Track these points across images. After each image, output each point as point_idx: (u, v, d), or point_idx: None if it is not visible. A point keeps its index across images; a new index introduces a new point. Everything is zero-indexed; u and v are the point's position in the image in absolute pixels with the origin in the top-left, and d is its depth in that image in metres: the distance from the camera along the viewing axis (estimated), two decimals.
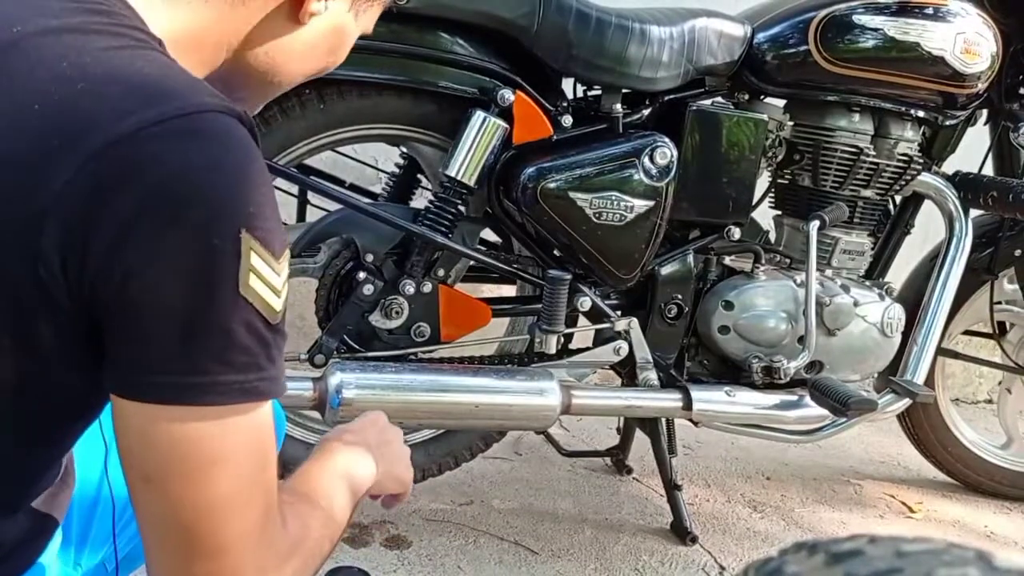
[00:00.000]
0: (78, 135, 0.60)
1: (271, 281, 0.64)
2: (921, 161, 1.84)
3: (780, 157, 1.79)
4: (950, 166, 1.95)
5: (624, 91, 1.64)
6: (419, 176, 1.88)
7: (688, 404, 1.68)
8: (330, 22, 0.80)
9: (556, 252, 1.67)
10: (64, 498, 0.79)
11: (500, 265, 1.65)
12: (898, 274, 2.04)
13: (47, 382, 0.66)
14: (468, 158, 1.54)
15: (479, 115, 1.53)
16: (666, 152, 1.59)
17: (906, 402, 1.84)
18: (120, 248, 0.60)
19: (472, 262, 1.64)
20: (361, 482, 0.88)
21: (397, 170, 1.90)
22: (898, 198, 1.93)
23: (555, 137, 1.59)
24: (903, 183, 1.84)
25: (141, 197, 0.60)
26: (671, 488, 1.90)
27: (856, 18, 1.66)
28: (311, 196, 1.90)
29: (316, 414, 1.53)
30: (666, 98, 1.68)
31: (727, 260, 1.80)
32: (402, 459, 0.98)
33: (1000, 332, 2.22)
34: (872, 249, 1.89)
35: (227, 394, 0.63)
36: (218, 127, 0.63)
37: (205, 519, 0.65)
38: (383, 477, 0.93)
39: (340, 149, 1.82)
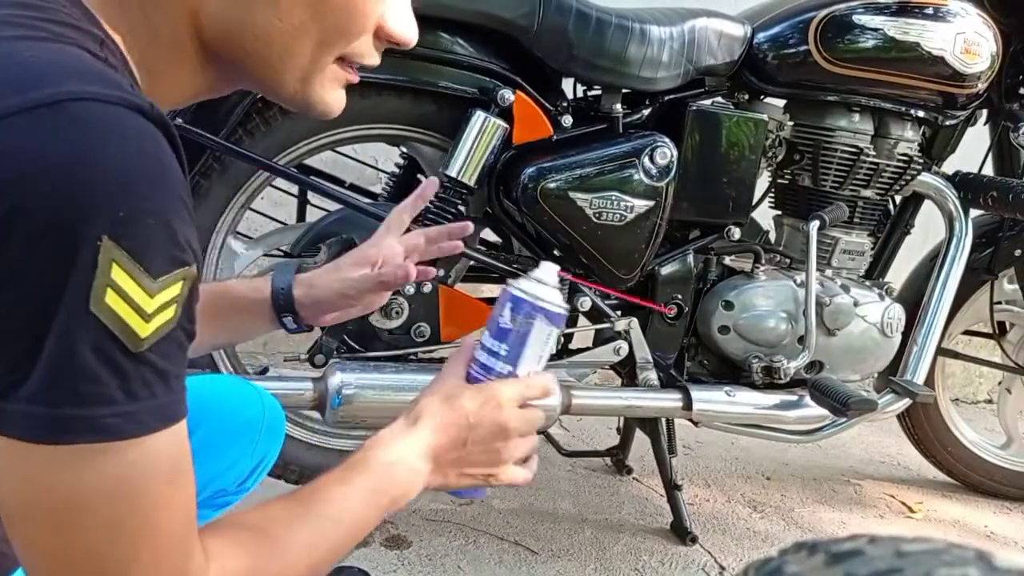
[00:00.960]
0: None
1: (137, 301, 0.54)
2: (921, 161, 1.84)
3: (780, 157, 1.79)
4: (950, 166, 1.95)
5: (624, 91, 1.64)
6: (419, 176, 1.88)
7: (688, 404, 1.68)
8: None
9: (556, 252, 1.67)
10: None
11: (500, 265, 1.65)
12: (898, 274, 2.04)
13: None
14: (468, 158, 1.54)
15: (479, 115, 1.53)
16: (666, 152, 1.59)
17: (906, 402, 1.84)
18: None
19: (472, 262, 1.64)
20: (392, 501, 0.79)
21: (397, 170, 1.90)
22: (898, 198, 1.93)
23: (555, 137, 1.59)
24: (903, 183, 1.84)
25: None
26: (671, 488, 1.90)
27: (856, 18, 1.66)
28: (311, 196, 1.90)
29: (316, 414, 1.53)
30: (666, 98, 1.68)
31: (727, 260, 1.80)
32: (474, 475, 0.86)
33: (1000, 332, 2.22)
34: (872, 249, 1.89)
35: (70, 431, 0.53)
36: (95, 116, 0.54)
37: (76, 574, 0.57)
38: (455, 482, 0.84)
39: (340, 149, 1.82)
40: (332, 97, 0.73)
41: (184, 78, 0.69)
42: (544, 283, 0.86)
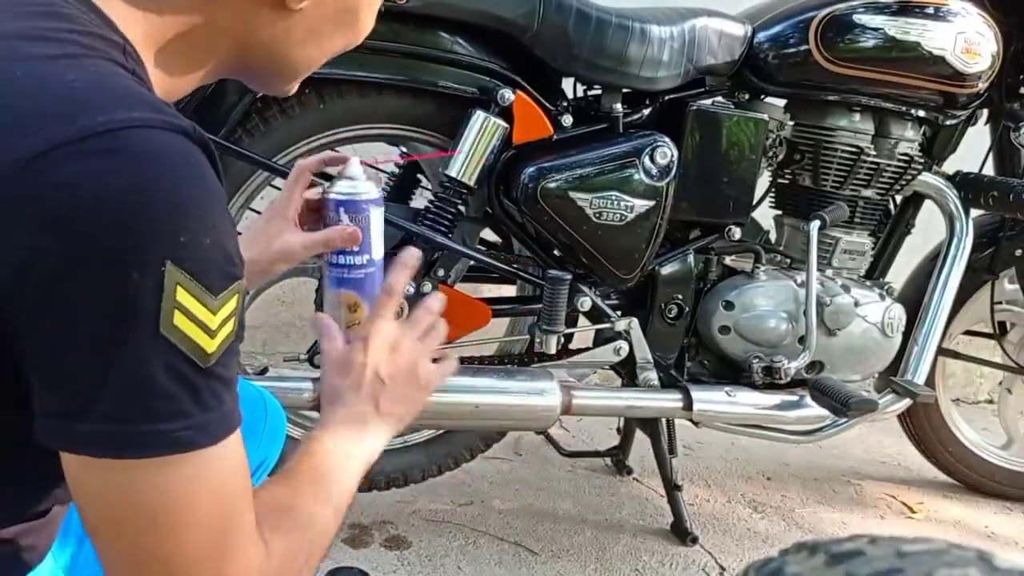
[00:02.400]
0: None
1: (202, 320, 0.57)
2: (922, 161, 1.84)
3: (780, 157, 1.79)
4: (951, 166, 1.95)
5: (624, 91, 1.64)
6: (419, 176, 1.88)
7: (688, 404, 1.68)
8: (330, 3, 0.73)
9: (556, 252, 1.67)
10: (52, 530, 0.74)
11: (500, 265, 1.65)
12: (898, 274, 2.03)
13: None
14: (468, 158, 1.54)
15: (479, 115, 1.53)
16: (666, 152, 1.59)
17: (907, 402, 1.84)
18: (29, 282, 0.54)
19: (472, 262, 1.64)
20: (362, 464, 0.83)
21: (397, 170, 1.90)
22: (898, 198, 1.93)
23: (555, 137, 1.59)
24: (904, 183, 1.84)
25: (51, 226, 0.53)
26: (671, 488, 1.90)
27: (857, 18, 1.66)
28: None
29: (316, 414, 1.53)
30: (666, 98, 1.68)
31: (727, 260, 1.80)
32: (412, 382, 0.90)
33: (1001, 332, 2.22)
34: (872, 249, 1.89)
35: (148, 446, 0.56)
36: (147, 145, 0.56)
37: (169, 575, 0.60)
38: (401, 413, 0.88)
39: (340, 149, 1.81)
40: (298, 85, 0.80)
41: (194, 80, 0.72)
42: (358, 178, 0.94)
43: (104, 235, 0.54)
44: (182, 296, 0.56)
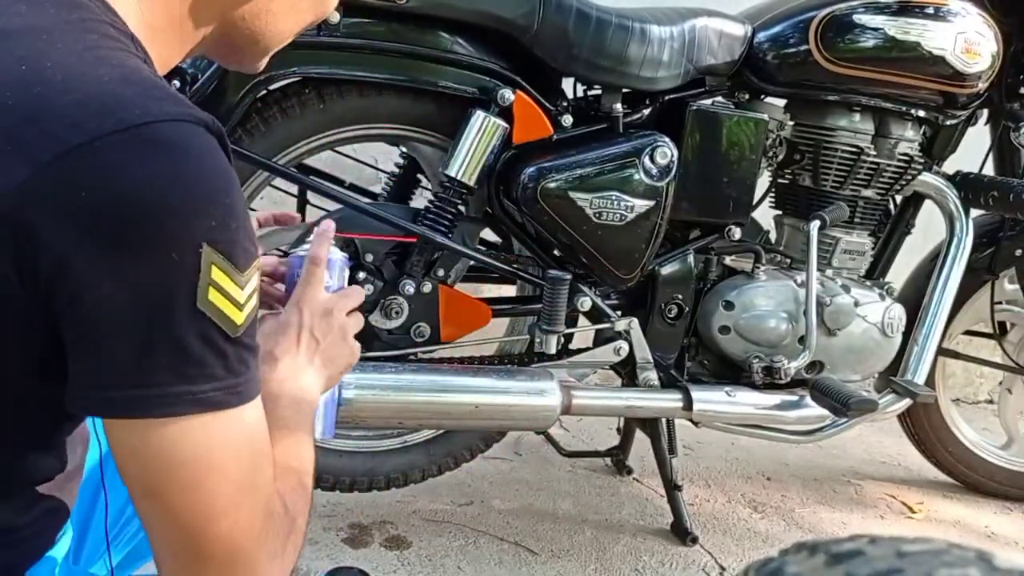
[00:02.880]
0: (29, 143, 0.58)
1: (232, 295, 0.63)
2: (922, 161, 1.84)
3: (781, 157, 1.79)
4: (951, 166, 1.95)
5: (624, 91, 1.64)
6: (419, 176, 1.88)
7: (688, 404, 1.68)
8: None
9: (556, 252, 1.67)
10: (72, 486, 0.79)
11: (500, 265, 1.65)
12: (898, 274, 2.03)
13: (18, 389, 0.66)
14: (468, 158, 1.54)
15: (479, 115, 1.53)
16: (666, 152, 1.59)
17: (907, 402, 1.84)
18: (71, 262, 0.59)
19: (472, 262, 1.64)
20: (311, 406, 0.89)
21: (397, 170, 1.90)
22: (898, 198, 1.93)
23: (555, 137, 1.59)
24: (904, 183, 1.84)
25: (94, 210, 0.58)
26: (671, 488, 1.90)
27: (857, 18, 1.66)
28: (311, 196, 1.90)
29: None
30: (666, 98, 1.68)
31: (727, 260, 1.80)
32: (343, 344, 0.95)
33: (1001, 332, 2.22)
34: (872, 249, 1.89)
35: (178, 404, 0.62)
36: (178, 136, 0.61)
37: (205, 527, 0.65)
38: (332, 372, 0.93)
39: (340, 149, 1.82)
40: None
41: (180, 56, 0.77)
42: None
43: (145, 221, 0.59)
44: (216, 274, 0.61)
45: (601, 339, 1.73)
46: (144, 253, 0.59)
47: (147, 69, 0.66)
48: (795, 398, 1.75)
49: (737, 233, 1.74)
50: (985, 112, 1.97)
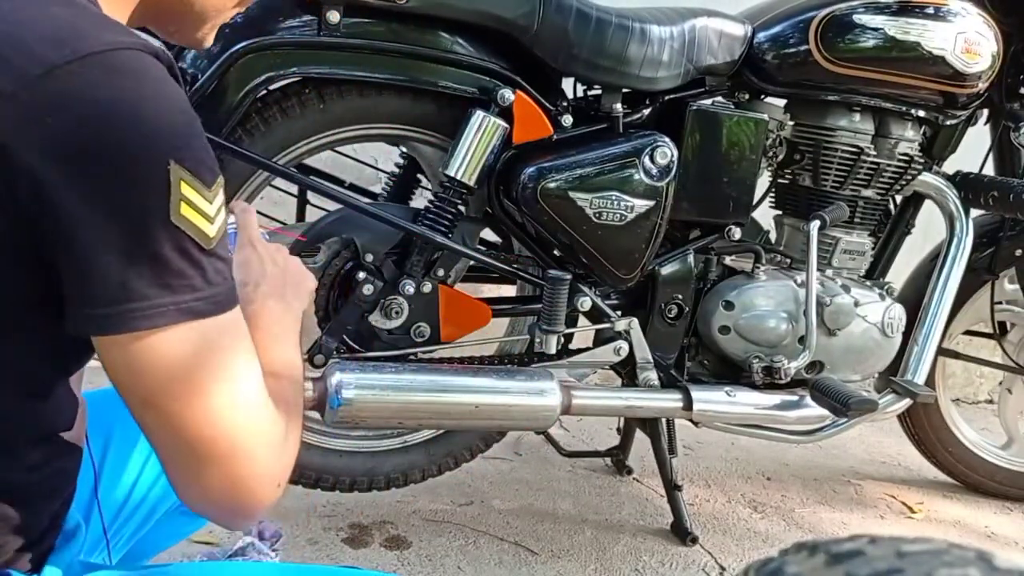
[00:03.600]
0: None
1: (203, 208, 0.67)
2: (922, 161, 1.84)
3: (781, 157, 1.79)
4: (951, 166, 1.95)
5: (624, 91, 1.64)
6: (419, 176, 1.88)
7: (688, 404, 1.68)
8: None
9: (556, 252, 1.67)
10: (80, 428, 0.82)
11: (500, 265, 1.65)
12: (898, 274, 2.03)
13: (11, 323, 0.69)
14: (468, 158, 1.54)
15: (479, 115, 1.53)
16: (666, 152, 1.58)
17: (907, 402, 1.84)
18: (47, 187, 0.62)
19: (472, 262, 1.64)
20: (294, 319, 0.94)
21: (397, 170, 1.90)
22: (898, 198, 1.93)
23: (555, 137, 1.58)
24: (904, 183, 1.84)
25: (63, 135, 0.61)
26: (671, 488, 1.90)
27: (857, 18, 1.66)
28: (311, 196, 1.90)
29: (316, 414, 1.53)
30: (666, 98, 1.68)
31: (727, 260, 1.80)
32: (300, 269, 1.01)
33: (1001, 332, 2.22)
34: (872, 249, 1.89)
35: (165, 315, 0.66)
36: (134, 63, 0.65)
37: (201, 428, 0.69)
38: (300, 293, 0.98)
39: (340, 149, 1.82)
40: (213, 36, 0.87)
41: (120, 20, 0.78)
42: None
43: (113, 142, 0.62)
44: (185, 189, 0.65)
45: (601, 339, 1.72)
46: (115, 173, 0.63)
47: (95, 8, 0.69)
48: (795, 398, 1.75)
49: (737, 233, 1.74)
50: (985, 112, 1.97)
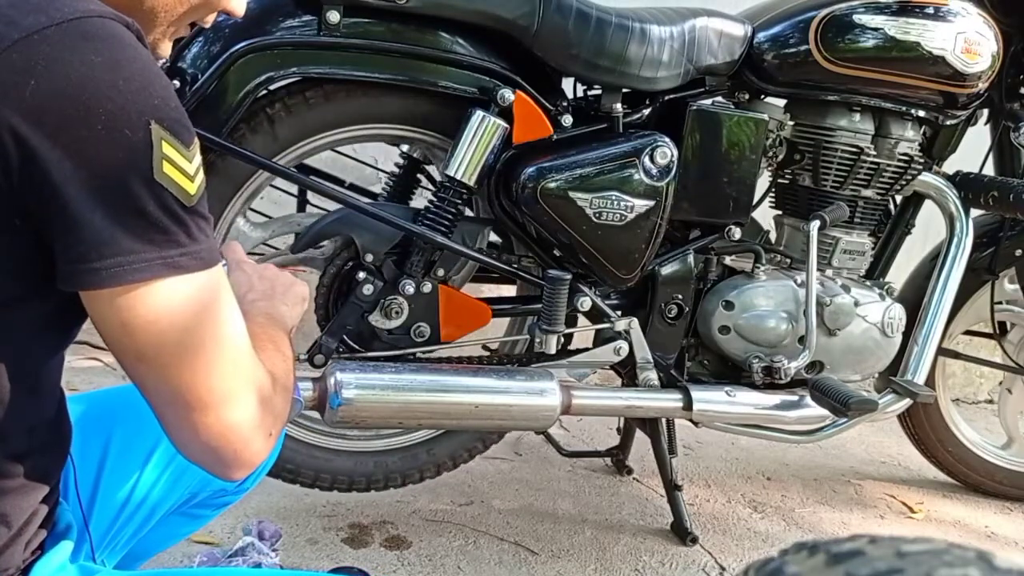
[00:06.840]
0: None
1: (184, 167, 0.70)
2: (922, 161, 1.84)
3: (781, 157, 1.79)
4: (951, 166, 1.95)
5: (624, 91, 1.64)
6: (419, 176, 1.88)
7: (688, 404, 1.68)
8: None
9: (556, 252, 1.67)
10: (63, 425, 0.84)
11: (500, 265, 1.65)
12: (898, 274, 2.03)
13: (19, 286, 0.71)
14: (468, 158, 1.54)
15: (479, 115, 1.53)
16: (666, 152, 1.58)
17: (907, 402, 1.84)
18: (34, 148, 0.64)
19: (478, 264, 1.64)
20: (282, 322, 0.98)
21: (397, 170, 1.90)
22: (898, 198, 1.93)
23: (555, 137, 1.58)
24: (904, 183, 1.84)
25: (46, 97, 0.64)
26: (671, 488, 1.90)
27: (857, 18, 1.66)
28: (311, 196, 1.90)
29: (316, 414, 1.53)
30: (666, 98, 1.68)
31: (727, 260, 1.80)
32: (291, 282, 1.06)
33: (1001, 332, 2.22)
34: (872, 249, 1.89)
35: (152, 269, 0.68)
36: (108, 29, 0.67)
37: (193, 379, 0.72)
38: (289, 302, 1.03)
39: (340, 149, 1.82)
40: (169, 47, 0.88)
41: None
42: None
43: (96, 103, 0.65)
44: (166, 148, 0.68)
45: (601, 339, 1.72)
46: (99, 132, 0.65)
47: None
48: (795, 398, 1.75)
49: (737, 233, 1.74)
50: (985, 112, 1.97)
